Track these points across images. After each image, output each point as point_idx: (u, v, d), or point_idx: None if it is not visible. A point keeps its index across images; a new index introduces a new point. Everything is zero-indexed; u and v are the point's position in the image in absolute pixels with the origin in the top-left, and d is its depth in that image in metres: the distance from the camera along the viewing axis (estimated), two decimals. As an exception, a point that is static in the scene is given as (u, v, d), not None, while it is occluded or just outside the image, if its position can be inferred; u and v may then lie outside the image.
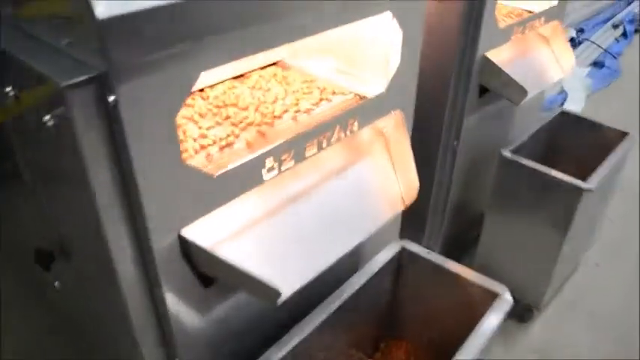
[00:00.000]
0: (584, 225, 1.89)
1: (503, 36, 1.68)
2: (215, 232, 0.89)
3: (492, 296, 1.22)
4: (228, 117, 1.10)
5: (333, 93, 1.22)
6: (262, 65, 1.36)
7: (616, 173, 1.94)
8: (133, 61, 0.69)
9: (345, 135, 1.10)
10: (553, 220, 1.74)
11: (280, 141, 0.97)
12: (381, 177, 1.21)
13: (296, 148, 0.99)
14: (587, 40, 4.06)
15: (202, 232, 0.87)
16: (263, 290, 0.86)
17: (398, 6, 1.10)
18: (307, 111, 1.14)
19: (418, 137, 1.35)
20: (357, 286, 1.22)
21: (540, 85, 1.83)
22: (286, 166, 0.98)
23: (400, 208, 1.20)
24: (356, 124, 1.12)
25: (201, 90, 1.22)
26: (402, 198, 1.22)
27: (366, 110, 1.15)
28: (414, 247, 1.33)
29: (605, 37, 4.27)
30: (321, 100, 1.18)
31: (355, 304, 1.22)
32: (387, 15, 1.10)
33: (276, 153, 0.95)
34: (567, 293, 2.08)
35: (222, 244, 0.89)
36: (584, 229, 1.97)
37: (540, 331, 1.95)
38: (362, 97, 1.21)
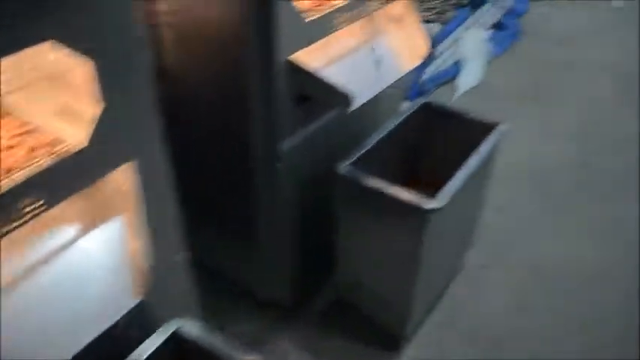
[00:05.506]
0: (446, 237, 1.64)
1: (320, 28, 1.35)
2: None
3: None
4: None
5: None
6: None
7: (485, 167, 1.68)
8: None
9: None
10: (401, 243, 1.49)
11: None
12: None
13: None
14: (488, -1, 3.77)
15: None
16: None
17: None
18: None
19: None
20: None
21: (381, 82, 1.52)
22: None
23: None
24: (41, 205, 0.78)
25: None
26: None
27: (57, 178, 0.81)
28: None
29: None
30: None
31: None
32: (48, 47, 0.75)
33: None
34: (446, 304, 1.85)
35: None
36: (450, 239, 1.73)
37: (415, 352, 1.70)
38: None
